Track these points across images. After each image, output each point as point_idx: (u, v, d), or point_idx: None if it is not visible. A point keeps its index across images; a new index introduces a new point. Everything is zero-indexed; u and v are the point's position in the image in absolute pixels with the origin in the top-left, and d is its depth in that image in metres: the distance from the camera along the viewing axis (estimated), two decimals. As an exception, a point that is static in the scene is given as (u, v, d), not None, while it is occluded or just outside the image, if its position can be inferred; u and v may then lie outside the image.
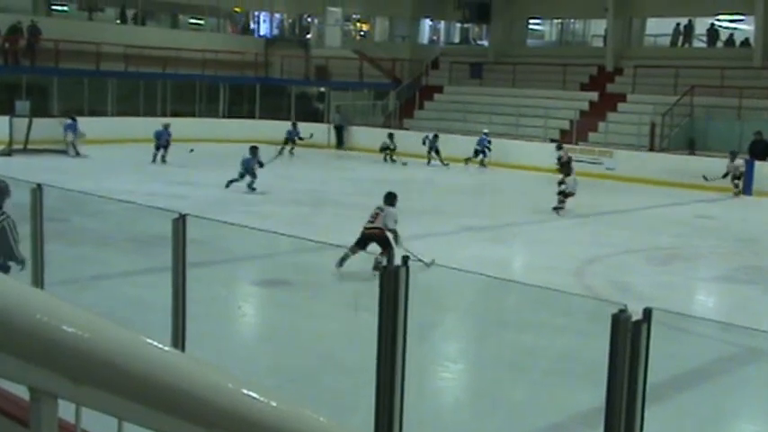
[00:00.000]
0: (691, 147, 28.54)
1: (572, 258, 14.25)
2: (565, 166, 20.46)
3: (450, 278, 12.48)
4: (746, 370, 9.36)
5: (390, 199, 13.12)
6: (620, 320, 3.63)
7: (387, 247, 12.29)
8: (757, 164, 25.13)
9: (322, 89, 39.67)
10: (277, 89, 39.21)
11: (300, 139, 31.19)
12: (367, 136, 33.78)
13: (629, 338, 3.61)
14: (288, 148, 30.87)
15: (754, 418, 8.35)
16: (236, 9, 42.26)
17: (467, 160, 28.87)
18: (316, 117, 37.70)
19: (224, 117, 37.04)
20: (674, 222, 19.51)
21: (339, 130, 35.16)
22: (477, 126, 31.27)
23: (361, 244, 12.58)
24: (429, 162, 29.25)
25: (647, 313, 3.63)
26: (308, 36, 42.50)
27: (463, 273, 12.34)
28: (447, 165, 28.76)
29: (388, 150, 30.10)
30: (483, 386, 8.47)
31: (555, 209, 18.79)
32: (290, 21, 43.35)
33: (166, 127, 26.87)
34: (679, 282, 13.61)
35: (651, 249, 15.92)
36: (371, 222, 12.75)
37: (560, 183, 19.33)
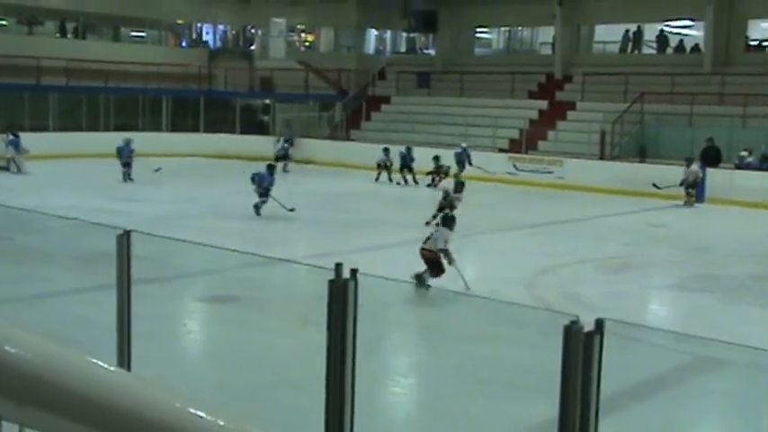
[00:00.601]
0: (642, 154, 28.60)
1: (524, 269, 14.11)
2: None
3: (401, 291, 12.29)
4: (700, 379, 9.33)
5: (447, 221, 13.00)
6: (572, 332, 3.61)
7: (435, 269, 12.24)
8: (709, 171, 25.17)
9: (267, 101, 39.27)
10: (221, 102, 38.81)
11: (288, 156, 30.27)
12: (313, 148, 33.49)
13: (581, 350, 3.60)
14: (281, 165, 29.43)
15: (709, 428, 8.33)
16: (179, 21, 41.78)
17: (455, 174, 26.48)
18: (261, 130, 37.37)
19: (167, 131, 36.50)
20: (626, 231, 19.46)
21: (288, 144, 34.58)
22: (425, 137, 31.06)
23: (435, 266, 12.36)
24: (406, 182, 27.54)
25: (599, 324, 3.60)
26: (252, 48, 42.17)
27: (412, 285, 12.20)
28: (418, 183, 27.57)
29: (385, 168, 28.17)
30: (434, 400, 8.34)
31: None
32: (234, 32, 42.98)
33: (128, 143, 25.72)
34: (631, 291, 13.52)
35: (603, 259, 15.82)
36: (424, 243, 12.59)
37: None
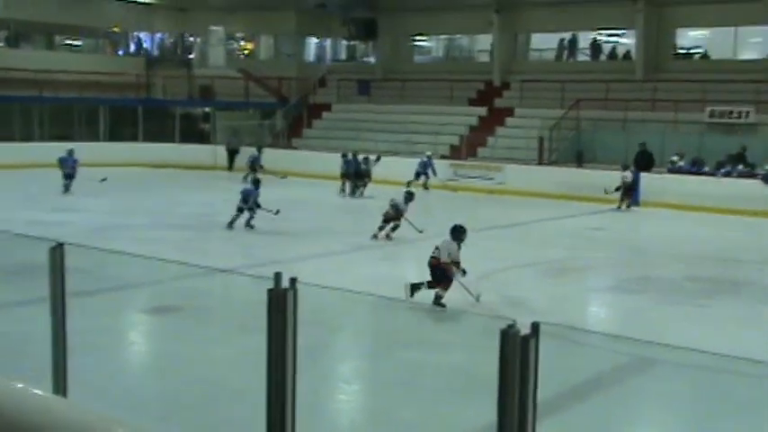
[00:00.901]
0: (578, 159, 28.99)
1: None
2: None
3: (342, 299, 12.30)
4: (637, 379, 9.44)
5: (454, 233, 12.46)
6: (508, 336, 3.60)
7: (443, 281, 11.98)
8: (643, 175, 25.63)
9: (207, 109, 38.95)
10: (160, 110, 38.24)
11: (261, 167, 29.25)
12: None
13: (518, 353, 3.59)
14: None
15: (646, 427, 8.45)
16: (115, 29, 41.29)
17: (408, 183, 26.22)
18: (201, 138, 37.09)
19: (105, 140, 35.92)
20: (565, 235, 19.70)
21: (232, 154, 34.20)
22: (366, 144, 31.13)
23: (441, 277, 12.08)
24: (356, 192, 26.58)
25: (535, 327, 3.60)
26: (191, 56, 41.80)
27: (353, 293, 12.21)
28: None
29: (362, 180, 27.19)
30: (378, 407, 8.37)
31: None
32: (172, 40, 42.58)
33: (71, 153, 25.10)
34: (571, 294, 13.70)
35: (543, 262, 16.00)
36: (433, 253, 12.31)
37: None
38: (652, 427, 8.42)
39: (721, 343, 10.51)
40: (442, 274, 11.97)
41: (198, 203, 23.78)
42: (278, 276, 4.27)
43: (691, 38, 34.79)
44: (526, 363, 3.58)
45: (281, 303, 4.27)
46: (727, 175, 25.01)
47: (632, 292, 13.90)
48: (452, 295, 12.36)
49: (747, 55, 32.91)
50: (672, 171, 26.09)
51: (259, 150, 30.64)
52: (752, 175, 24.48)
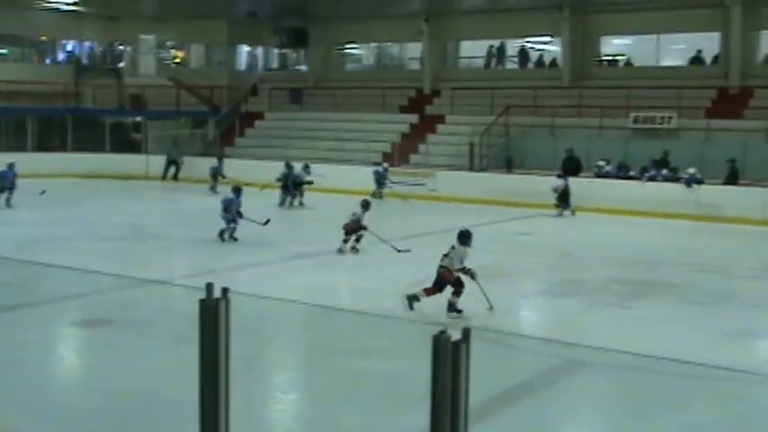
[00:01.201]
0: (508, 165, 29.38)
1: (400, 281, 14.29)
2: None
3: (277, 308, 12.39)
4: (568, 381, 9.63)
5: (463, 238, 12.42)
6: (440, 342, 3.65)
7: (456, 286, 12.11)
8: (571, 180, 26.11)
9: (138, 119, 38.56)
10: (90, 120, 37.73)
11: (223, 177, 28.68)
12: (187, 166, 33.23)
13: (449, 359, 3.64)
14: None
15: (577, 427, 8.61)
16: (43, 38, 40.73)
17: (373, 193, 26.37)
18: (133, 148, 36.75)
19: (33, 151, 35.24)
20: (497, 240, 19.91)
21: (172, 164, 33.62)
22: (299, 152, 31.18)
23: (437, 285, 12.18)
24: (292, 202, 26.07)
25: (466, 333, 3.66)
26: (121, 64, 41.37)
27: (289, 302, 12.30)
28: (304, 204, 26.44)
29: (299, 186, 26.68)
30: (316, 416, 8.37)
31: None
32: (101, 49, 42.12)
33: (11, 166, 24.53)
34: (504, 298, 13.83)
35: (476, 267, 16.15)
36: (441, 261, 12.28)
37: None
38: (582, 426, 8.58)
39: (646, 343, 10.83)
40: (456, 281, 12.14)
41: (131, 213, 23.58)
42: (209, 287, 4.23)
43: (615, 45, 35.49)
44: (457, 368, 3.63)
45: (212, 314, 4.23)
46: (652, 179, 25.56)
47: (562, 295, 14.14)
48: (390, 302, 12.53)
49: (670, 62, 33.65)
50: (599, 176, 26.56)
51: (220, 160, 30.28)
52: (675, 179, 25.08)
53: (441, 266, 12.24)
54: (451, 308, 12.09)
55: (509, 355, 10.65)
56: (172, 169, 33.34)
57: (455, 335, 3.66)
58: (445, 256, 12.30)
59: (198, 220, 22.01)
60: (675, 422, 8.12)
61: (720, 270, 16.69)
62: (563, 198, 24.78)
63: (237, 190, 19.10)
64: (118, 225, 21.05)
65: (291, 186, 25.96)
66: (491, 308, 12.22)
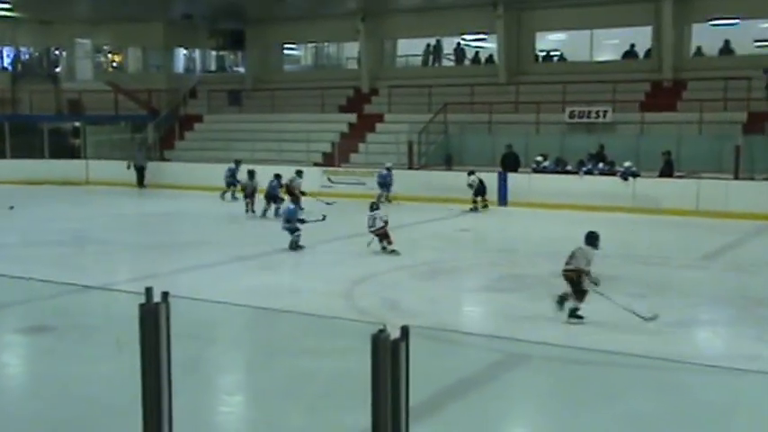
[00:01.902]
0: (447, 162, 29.59)
1: (342, 280, 14.45)
2: None
3: (219, 311, 12.42)
4: (510, 375, 9.77)
5: (590, 239, 12.23)
6: (379, 340, 3.69)
7: (578, 291, 11.85)
8: (510, 176, 26.45)
9: (77, 124, 38.19)
10: (28, 126, 37.26)
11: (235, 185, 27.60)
12: (126, 170, 32.93)
13: (389, 357, 3.69)
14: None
15: (521, 420, 8.77)
16: (-23, 44, 40.14)
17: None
18: (72, 153, 36.38)
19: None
20: (437, 237, 20.15)
21: (140, 171, 32.89)
22: (240, 154, 31.11)
23: (576, 289, 11.91)
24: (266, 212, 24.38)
25: (405, 331, 3.70)
26: (58, 69, 40.88)
27: (231, 305, 12.33)
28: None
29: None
30: (262, 416, 8.45)
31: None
32: (37, 54, 41.58)
33: None
34: (445, 295, 14.05)
35: (417, 265, 16.38)
36: (567, 264, 12.10)
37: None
38: (524, 420, 8.72)
39: (587, 336, 11.08)
40: (578, 284, 11.90)
41: (72, 219, 23.38)
42: (149, 291, 4.25)
43: (550, 41, 35.94)
44: (397, 366, 3.68)
45: (152, 318, 4.25)
46: (589, 173, 25.93)
47: (502, 290, 14.29)
48: (333, 302, 12.63)
49: (604, 56, 34.18)
50: (536, 171, 26.86)
51: (237, 164, 28.45)
52: (612, 173, 25.47)
53: (567, 270, 12.02)
54: (573, 314, 11.90)
55: (452, 352, 10.75)
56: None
57: (394, 333, 3.70)
58: (571, 257, 12.08)
59: (140, 225, 21.93)
60: (615, 413, 8.30)
61: (658, 261, 17.05)
62: (479, 193, 25.04)
63: (295, 198, 20.32)
64: (59, 231, 20.87)
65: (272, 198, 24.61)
66: (653, 318, 11.73)
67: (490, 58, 35.47)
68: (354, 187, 28.61)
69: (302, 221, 18.29)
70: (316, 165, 30.53)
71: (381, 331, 3.70)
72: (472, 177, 25.24)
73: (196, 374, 8.94)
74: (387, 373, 3.71)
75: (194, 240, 18.81)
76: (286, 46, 41.44)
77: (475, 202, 25.06)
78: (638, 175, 24.95)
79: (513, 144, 28.00)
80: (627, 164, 25.14)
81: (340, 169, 30.04)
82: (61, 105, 38.37)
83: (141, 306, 4.27)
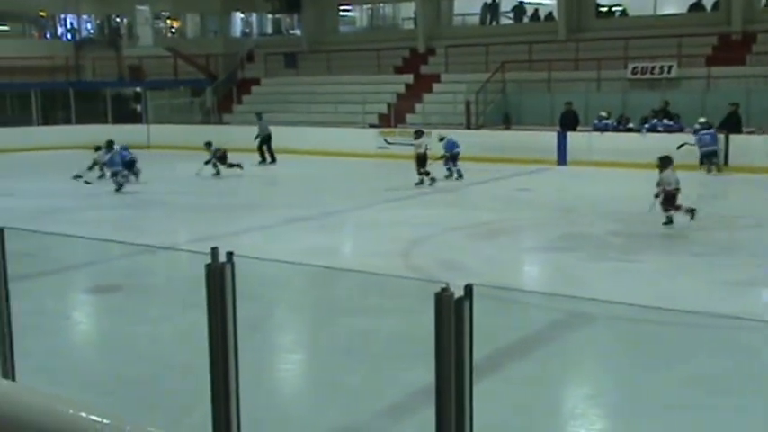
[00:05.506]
0: (506, 122, 29.33)
1: (399, 241, 14.40)
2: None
3: (280, 270, 12.46)
4: (573, 334, 9.66)
5: (664, 161, 15.87)
6: (442, 299, 3.63)
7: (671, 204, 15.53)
8: (569, 134, 26.07)
9: (138, 89, 38.62)
10: (91, 93, 37.85)
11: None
12: (188, 134, 33.10)
13: (452, 316, 3.62)
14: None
15: (584, 379, 8.66)
16: (42, 13, 40.66)
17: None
18: (134, 118, 36.81)
19: (38, 125, 35.58)
20: (495, 197, 19.99)
21: (265, 142, 29.61)
22: (296, 116, 31.10)
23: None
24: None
25: (468, 289, 3.63)
26: (119, 36, 41.28)
27: (291, 265, 12.37)
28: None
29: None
30: (320, 373, 8.50)
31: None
32: (99, 22, 42.04)
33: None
34: (504, 255, 13.94)
35: (475, 225, 16.26)
36: (669, 187, 15.54)
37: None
38: (587, 379, 8.63)
39: (648, 295, 10.92)
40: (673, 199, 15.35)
41: (134, 182, 23.62)
42: (215, 251, 4.27)
43: (612, -4, 35.35)
44: (461, 324, 3.61)
45: (218, 277, 4.28)
46: (653, 129, 25.38)
47: (563, 250, 14.15)
48: (390, 262, 12.59)
49: (667, 9, 33.46)
50: (597, 129, 26.47)
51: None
52: (678, 130, 24.75)
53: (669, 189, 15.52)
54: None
55: (511, 311, 10.65)
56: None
57: (458, 291, 3.64)
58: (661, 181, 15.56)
59: (198, 187, 22.07)
60: (682, 374, 8.15)
61: (723, 221, 16.66)
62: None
63: None
64: (121, 194, 21.14)
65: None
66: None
67: (550, 15, 34.93)
68: (409, 148, 28.43)
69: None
70: (371, 126, 30.40)
71: (444, 290, 3.62)
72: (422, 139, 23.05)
73: (257, 333, 8.99)
74: (450, 332, 3.64)
75: (253, 202, 18.86)
76: (341, 7, 41.28)
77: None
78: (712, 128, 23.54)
79: (572, 102, 27.54)
80: (702, 120, 23.66)
81: (396, 130, 29.88)
82: (122, 71, 38.77)
83: (207, 266, 4.30)
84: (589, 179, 23.37)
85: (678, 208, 15.43)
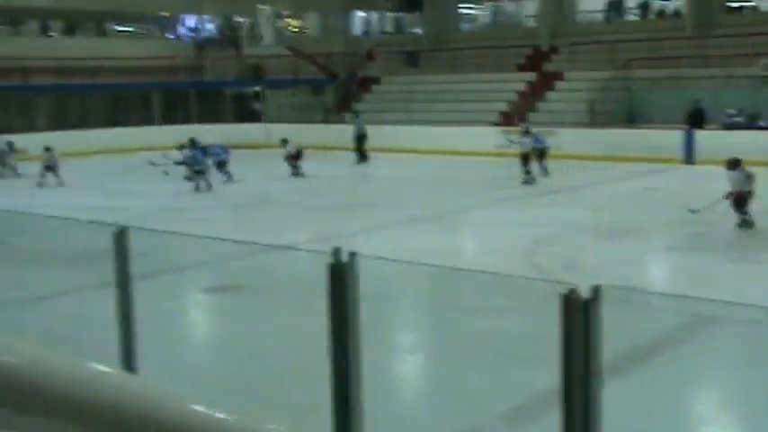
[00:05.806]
0: (631, 120, 28.71)
1: (521, 240, 14.21)
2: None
3: (400, 270, 12.39)
4: (701, 337, 9.39)
5: (732, 164, 15.94)
6: (570, 300, 3.57)
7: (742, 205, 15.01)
8: (698, 132, 25.31)
9: (258, 89, 39.22)
10: (212, 92, 38.64)
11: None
12: (308, 133, 33.44)
13: (581, 318, 3.56)
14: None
15: (712, 383, 8.40)
16: (164, 14, 41.70)
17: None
18: (254, 118, 37.34)
19: (159, 124, 36.21)
20: (620, 197, 19.59)
21: (361, 140, 29.65)
22: (418, 115, 31.02)
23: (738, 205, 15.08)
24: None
25: (596, 291, 3.56)
26: (240, 36, 42.02)
27: (411, 264, 12.30)
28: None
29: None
30: (441, 375, 8.41)
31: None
32: (219, 22, 42.90)
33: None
34: (629, 255, 13.63)
35: (599, 225, 15.96)
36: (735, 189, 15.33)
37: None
38: (715, 383, 8.39)
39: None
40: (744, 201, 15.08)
41: (253, 182, 23.98)
42: (337, 251, 4.25)
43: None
44: (589, 327, 3.56)
45: (341, 278, 4.26)
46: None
47: (689, 250, 13.85)
48: (511, 262, 12.39)
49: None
50: (726, 127, 25.63)
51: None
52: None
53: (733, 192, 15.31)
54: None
55: (636, 313, 10.36)
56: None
57: (584, 293, 3.56)
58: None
59: (315, 186, 22.21)
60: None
61: None
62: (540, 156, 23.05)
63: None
64: (241, 194, 21.41)
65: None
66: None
67: (676, 12, 34.08)
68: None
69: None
70: (494, 124, 30.13)
71: (572, 291, 3.56)
72: (525, 139, 22.73)
73: (377, 333, 8.91)
74: (579, 335, 3.57)
75: (371, 201, 18.87)
76: (463, 5, 41.09)
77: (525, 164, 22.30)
78: None
79: (701, 99, 26.72)
80: None
81: (518, 128, 29.51)
82: (243, 71, 39.40)
83: (330, 266, 4.27)
84: (717, 178, 22.57)
85: (745, 213, 15.07)
